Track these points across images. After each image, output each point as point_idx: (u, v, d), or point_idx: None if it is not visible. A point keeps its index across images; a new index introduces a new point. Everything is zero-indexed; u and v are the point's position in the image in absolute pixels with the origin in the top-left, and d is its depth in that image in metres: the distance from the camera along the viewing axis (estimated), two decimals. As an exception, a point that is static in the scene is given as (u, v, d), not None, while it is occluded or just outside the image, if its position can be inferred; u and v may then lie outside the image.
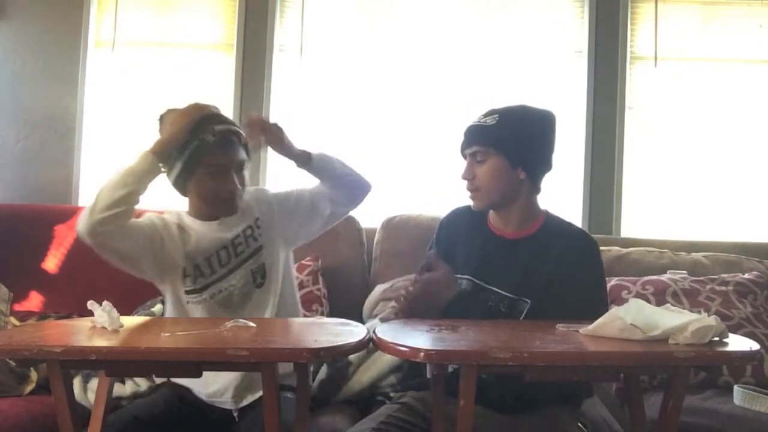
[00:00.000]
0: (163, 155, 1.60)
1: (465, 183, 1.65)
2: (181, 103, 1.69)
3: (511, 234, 1.65)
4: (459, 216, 1.75)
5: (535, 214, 1.65)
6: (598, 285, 1.61)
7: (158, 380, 1.76)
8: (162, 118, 1.69)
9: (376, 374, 2.02)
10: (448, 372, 1.37)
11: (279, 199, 1.80)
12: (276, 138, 1.73)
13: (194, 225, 1.71)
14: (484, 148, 1.60)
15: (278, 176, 2.88)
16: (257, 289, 1.70)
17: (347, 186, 1.79)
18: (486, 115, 1.63)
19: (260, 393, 1.57)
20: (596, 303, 1.52)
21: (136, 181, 1.55)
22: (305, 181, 1.83)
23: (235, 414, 1.62)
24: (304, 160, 1.74)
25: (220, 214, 1.70)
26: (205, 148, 1.62)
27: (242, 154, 1.70)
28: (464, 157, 1.66)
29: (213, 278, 1.67)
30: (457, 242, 1.71)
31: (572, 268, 1.55)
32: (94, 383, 1.91)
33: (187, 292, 1.66)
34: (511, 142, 1.59)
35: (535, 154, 1.63)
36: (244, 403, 1.62)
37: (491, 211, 1.68)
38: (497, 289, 1.59)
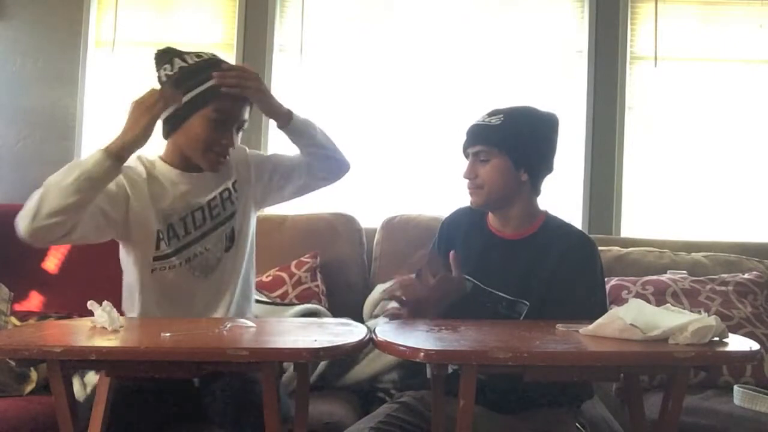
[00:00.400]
0: (123, 158, 1.44)
1: (466, 182, 1.65)
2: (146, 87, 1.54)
3: (511, 235, 1.64)
4: (459, 216, 1.75)
5: (534, 215, 1.65)
6: (597, 287, 1.61)
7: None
8: (161, 61, 1.59)
9: (380, 368, 2.03)
10: (448, 372, 1.37)
11: (257, 160, 1.72)
12: (259, 90, 1.59)
13: (170, 175, 1.61)
14: (488, 147, 1.60)
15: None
16: (225, 254, 1.63)
17: (325, 158, 1.70)
18: (491, 114, 1.63)
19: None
20: (595, 305, 1.52)
21: (91, 188, 1.41)
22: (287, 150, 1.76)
23: (196, 383, 1.52)
24: (285, 119, 1.64)
25: (205, 166, 1.60)
26: (218, 91, 1.53)
27: (246, 115, 1.62)
28: (466, 156, 1.66)
29: (187, 240, 1.59)
30: (456, 242, 1.71)
31: (572, 271, 1.55)
32: (90, 376, 1.91)
33: (157, 259, 1.57)
34: (515, 143, 1.59)
35: (538, 156, 1.63)
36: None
37: (490, 212, 1.68)
38: (496, 291, 1.59)
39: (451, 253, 1.59)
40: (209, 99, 1.53)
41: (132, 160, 1.56)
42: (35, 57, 2.89)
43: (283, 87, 2.92)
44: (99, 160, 1.41)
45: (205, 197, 1.62)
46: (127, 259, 1.63)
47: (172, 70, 1.56)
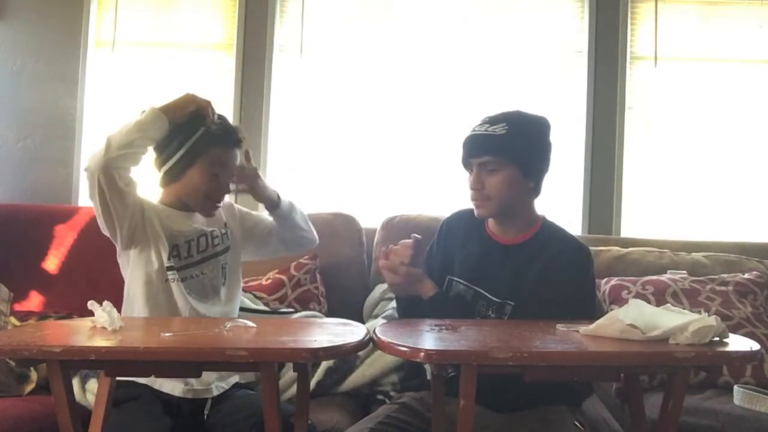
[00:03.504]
0: (169, 116, 1.63)
1: (471, 192, 1.61)
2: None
3: (508, 240, 1.64)
4: (460, 219, 1.74)
5: (533, 221, 1.64)
6: (585, 296, 1.59)
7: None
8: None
9: (379, 371, 2.03)
10: (448, 374, 1.37)
11: (242, 213, 1.88)
12: (252, 180, 1.79)
13: (170, 214, 1.71)
14: (496, 158, 1.57)
15: (277, 176, 2.89)
16: (222, 287, 1.74)
17: (300, 237, 1.90)
18: (492, 123, 1.60)
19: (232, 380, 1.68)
20: (582, 314, 1.47)
21: (148, 130, 1.60)
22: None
23: (207, 409, 1.61)
24: (273, 204, 1.83)
25: (202, 212, 1.75)
26: (211, 138, 1.68)
27: (237, 161, 1.77)
28: (467, 166, 1.63)
29: (187, 261, 1.68)
30: (454, 245, 1.70)
31: (560, 272, 1.53)
32: (91, 384, 1.91)
33: (168, 268, 1.66)
34: (524, 153, 1.58)
35: (543, 163, 1.62)
36: (215, 392, 1.63)
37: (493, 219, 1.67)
38: (488, 294, 1.59)
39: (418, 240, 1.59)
40: (204, 148, 1.68)
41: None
42: (35, 57, 2.89)
43: (283, 87, 2.92)
44: (149, 112, 1.63)
45: (207, 228, 1.75)
46: (135, 267, 1.67)
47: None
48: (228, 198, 1.85)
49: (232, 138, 1.73)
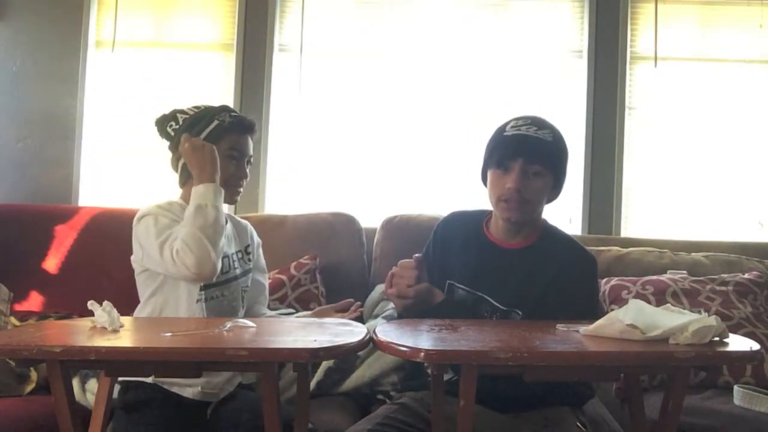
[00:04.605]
0: (210, 174, 1.60)
1: (509, 191, 1.53)
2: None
3: (511, 245, 1.62)
4: (456, 222, 1.73)
5: (536, 227, 1.64)
6: (591, 305, 1.59)
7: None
8: (164, 123, 1.71)
9: (379, 371, 2.02)
10: (448, 378, 1.36)
11: (259, 249, 1.88)
12: None
13: None
14: (544, 164, 1.54)
15: (277, 176, 2.89)
16: (240, 309, 1.74)
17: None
18: (538, 127, 1.55)
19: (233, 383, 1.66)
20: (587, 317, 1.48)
21: (220, 209, 1.59)
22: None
23: (210, 409, 1.61)
24: None
25: (225, 200, 1.70)
26: (225, 128, 1.68)
27: (252, 149, 1.75)
28: (502, 165, 1.55)
29: (210, 281, 1.65)
30: (452, 248, 1.69)
31: (568, 287, 1.53)
32: (91, 384, 1.91)
33: (200, 287, 1.64)
34: (562, 166, 1.59)
35: (565, 179, 1.62)
36: (222, 395, 1.63)
37: (492, 220, 1.66)
38: (492, 300, 1.58)
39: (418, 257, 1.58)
40: (218, 137, 1.67)
41: (168, 212, 1.63)
42: (35, 57, 2.89)
43: (283, 87, 2.92)
44: (200, 194, 1.58)
45: (230, 249, 1.72)
46: (173, 289, 1.64)
47: (178, 124, 1.70)
48: (258, 238, 1.87)
49: (245, 125, 1.72)
